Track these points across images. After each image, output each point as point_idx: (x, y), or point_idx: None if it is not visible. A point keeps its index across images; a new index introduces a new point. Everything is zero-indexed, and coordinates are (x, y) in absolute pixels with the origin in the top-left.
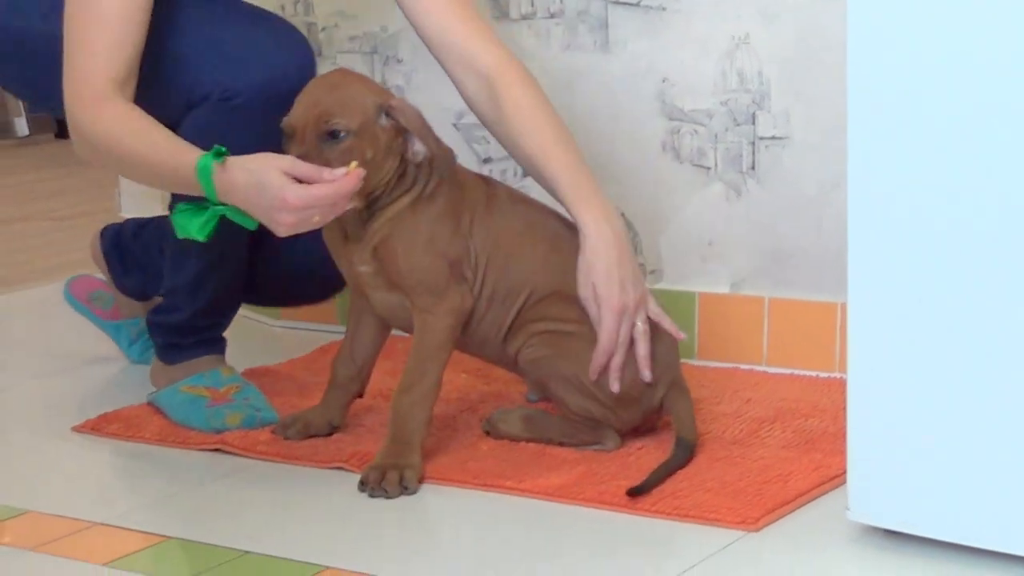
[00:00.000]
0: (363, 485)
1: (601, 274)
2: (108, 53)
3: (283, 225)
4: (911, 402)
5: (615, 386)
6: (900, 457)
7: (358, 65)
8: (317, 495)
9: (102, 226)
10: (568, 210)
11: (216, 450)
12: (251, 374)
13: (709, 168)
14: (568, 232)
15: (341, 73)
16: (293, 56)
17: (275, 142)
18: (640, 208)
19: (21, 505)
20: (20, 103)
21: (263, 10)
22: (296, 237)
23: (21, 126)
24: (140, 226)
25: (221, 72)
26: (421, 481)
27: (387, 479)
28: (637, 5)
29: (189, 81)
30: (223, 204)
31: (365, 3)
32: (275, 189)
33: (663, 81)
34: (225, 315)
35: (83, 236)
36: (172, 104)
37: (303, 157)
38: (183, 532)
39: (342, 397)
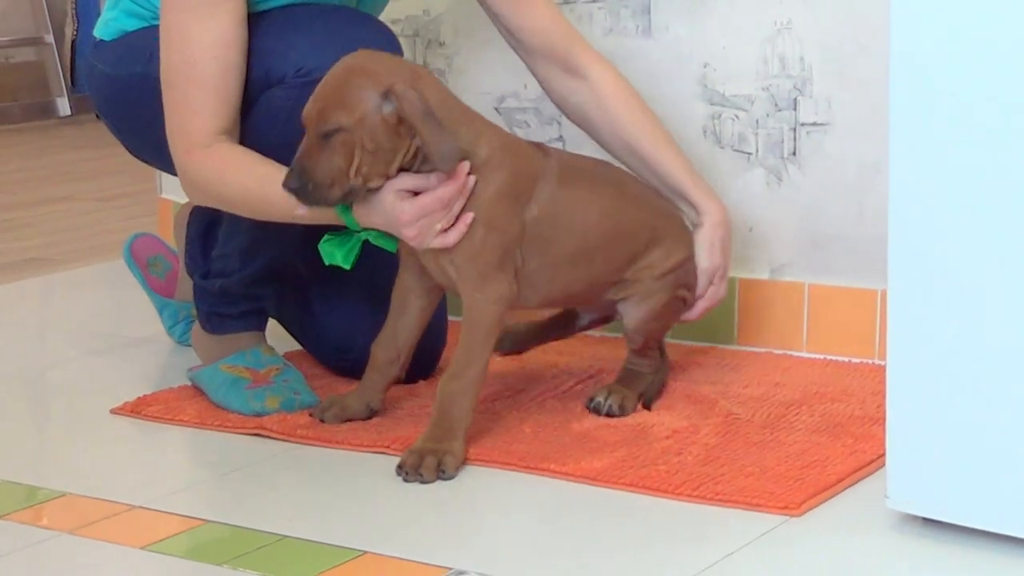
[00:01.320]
0: (400, 469)
1: (719, 251)
2: (212, 111)
3: (410, 239)
4: (950, 391)
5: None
6: (939, 446)
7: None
8: (357, 479)
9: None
10: (693, 201)
11: (255, 434)
12: (291, 357)
13: (750, 154)
14: (628, 177)
15: (352, 60)
16: (370, 35)
17: None
18: None
19: (59, 488)
20: (63, 82)
21: (351, 10)
22: (335, 308)
23: (64, 106)
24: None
25: (298, 53)
26: (460, 468)
27: (425, 464)
28: None
29: (266, 67)
30: (365, 230)
31: None
32: (390, 208)
33: (704, 66)
34: (271, 285)
35: (126, 216)
36: (249, 94)
37: (307, 152)
38: (221, 516)
39: (380, 380)
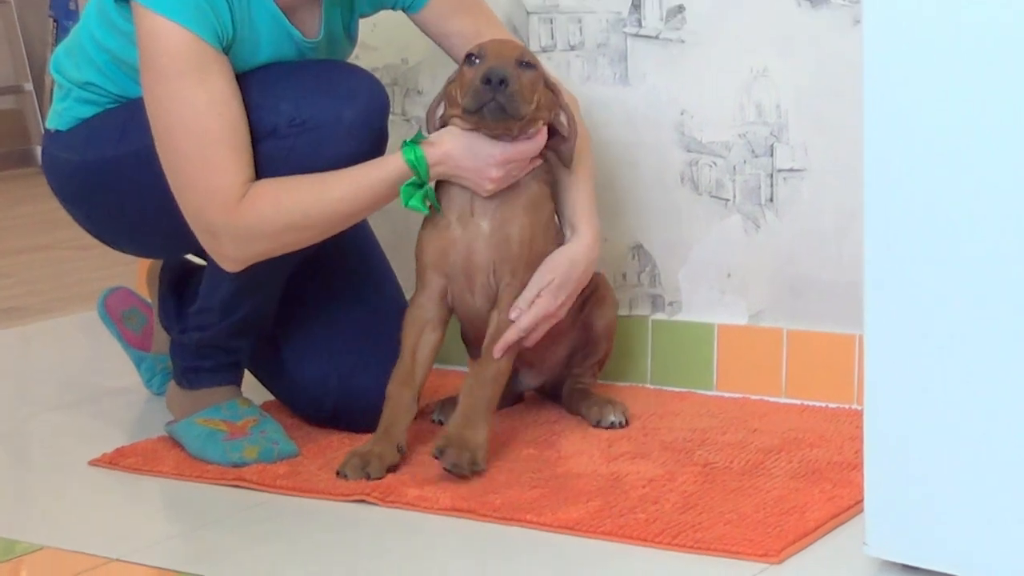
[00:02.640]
0: (442, 452)
1: (563, 277)
2: (235, 166)
3: (492, 180)
4: (928, 436)
5: (498, 354)
6: (917, 491)
7: None
8: (338, 529)
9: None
10: (571, 217)
11: (235, 485)
12: (268, 408)
13: (727, 200)
14: None
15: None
16: (359, 83)
17: (343, 165)
18: (659, 240)
19: (38, 541)
20: (42, 131)
21: (330, 60)
22: (307, 361)
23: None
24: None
25: (289, 104)
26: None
27: (460, 457)
28: (656, 38)
29: (255, 120)
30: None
31: (386, 35)
32: (488, 147)
33: (682, 113)
34: (249, 339)
35: (105, 265)
36: None
37: (509, 69)
38: (201, 568)
39: (406, 419)
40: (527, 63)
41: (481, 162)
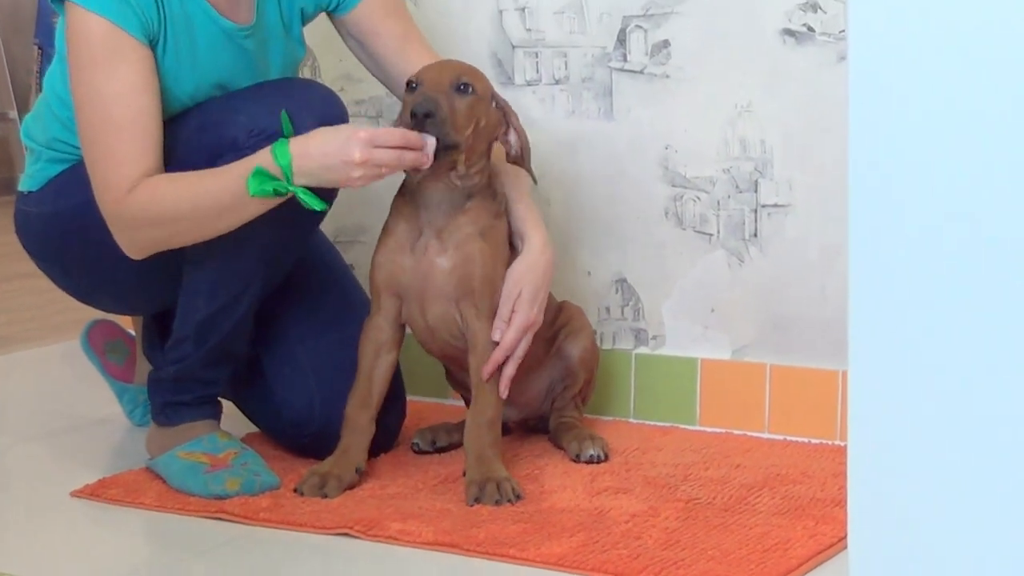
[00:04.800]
0: (478, 498)
1: (530, 285)
2: (133, 158)
3: (356, 164)
4: (912, 473)
5: (504, 392)
6: (901, 529)
7: None
8: (320, 562)
9: None
10: (520, 225)
11: (216, 517)
12: (249, 440)
13: (711, 235)
14: None
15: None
16: (317, 95)
17: None
18: (642, 274)
19: (19, 572)
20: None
21: (287, 77)
22: (288, 385)
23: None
24: None
25: (247, 117)
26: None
27: (501, 490)
28: (641, 72)
29: (216, 135)
30: (296, 187)
31: None
32: (349, 128)
33: (666, 148)
34: (225, 369)
35: None
36: (196, 162)
37: (443, 92)
38: None
39: (364, 441)
40: (464, 86)
41: (341, 140)
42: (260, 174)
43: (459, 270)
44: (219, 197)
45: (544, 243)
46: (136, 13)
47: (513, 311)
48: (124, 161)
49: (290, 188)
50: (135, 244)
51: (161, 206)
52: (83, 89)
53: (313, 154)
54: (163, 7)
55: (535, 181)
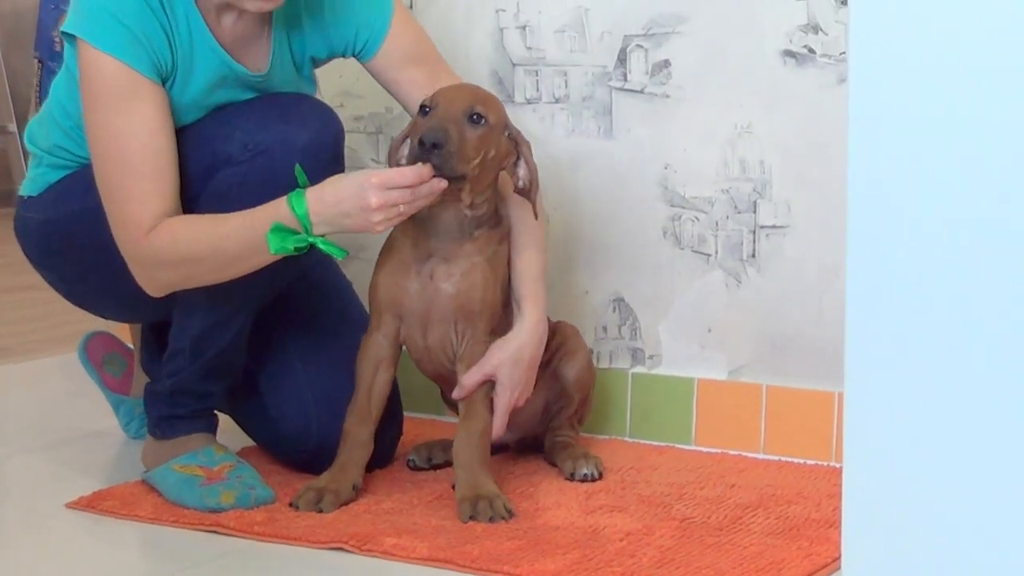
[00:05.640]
0: (472, 515)
1: (509, 377)
2: (150, 197)
3: (375, 209)
4: (907, 494)
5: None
6: (895, 550)
7: (362, 145)
8: None
9: None
10: (520, 299)
11: (212, 530)
12: (244, 454)
13: (709, 255)
14: None
15: (480, 87)
16: (313, 111)
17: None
18: (640, 293)
19: None
20: (25, 171)
21: (285, 92)
22: (287, 401)
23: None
24: None
25: (243, 132)
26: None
27: (494, 507)
28: (641, 92)
29: (212, 151)
30: (315, 236)
31: (371, 84)
32: (362, 174)
33: (665, 168)
34: (221, 383)
35: None
36: (191, 179)
37: (453, 122)
38: None
39: (362, 457)
40: (477, 116)
41: (356, 187)
42: (279, 230)
43: (463, 296)
44: (238, 245)
45: (538, 320)
46: (147, 52)
47: (496, 394)
48: (141, 200)
49: (310, 239)
50: (154, 282)
51: (180, 250)
52: (98, 127)
53: (328, 200)
54: (175, 46)
55: (536, 216)
